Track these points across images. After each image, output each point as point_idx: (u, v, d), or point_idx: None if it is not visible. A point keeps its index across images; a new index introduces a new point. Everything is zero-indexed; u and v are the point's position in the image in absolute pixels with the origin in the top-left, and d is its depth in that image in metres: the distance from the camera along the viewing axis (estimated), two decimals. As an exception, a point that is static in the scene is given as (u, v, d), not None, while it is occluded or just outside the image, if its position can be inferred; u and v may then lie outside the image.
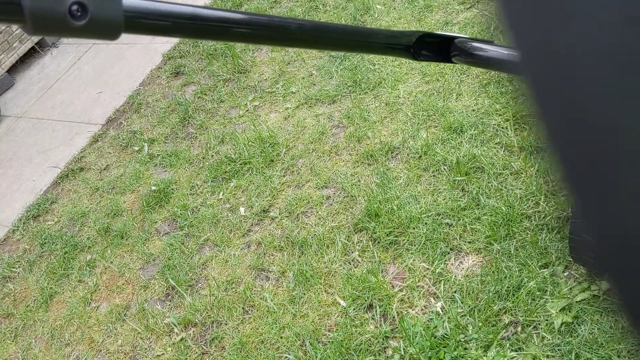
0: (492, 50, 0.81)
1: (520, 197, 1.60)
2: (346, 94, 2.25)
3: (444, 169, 1.78)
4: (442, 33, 0.83)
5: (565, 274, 1.40)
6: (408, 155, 1.89)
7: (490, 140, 1.80)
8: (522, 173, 1.66)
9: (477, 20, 2.24)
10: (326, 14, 2.70)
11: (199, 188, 2.17)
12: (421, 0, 2.46)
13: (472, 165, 1.74)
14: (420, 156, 1.86)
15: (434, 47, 0.82)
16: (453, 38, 0.82)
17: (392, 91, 2.14)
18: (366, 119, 2.09)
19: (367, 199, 1.78)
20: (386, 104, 2.12)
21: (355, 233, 1.74)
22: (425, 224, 1.65)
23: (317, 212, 1.85)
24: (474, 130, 1.84)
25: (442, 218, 1.65)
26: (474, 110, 1.92)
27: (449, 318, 1.42)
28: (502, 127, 1.82)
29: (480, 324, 1.38)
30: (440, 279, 1.52)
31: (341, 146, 2.05)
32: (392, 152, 1.93)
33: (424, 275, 1.55)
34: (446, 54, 0.82)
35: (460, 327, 1.39)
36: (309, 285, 1.65)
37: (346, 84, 2.29)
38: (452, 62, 0.84)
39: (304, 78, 2.45)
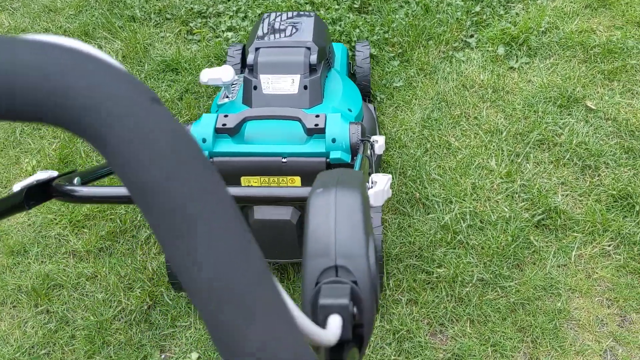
0: (85, 190, 0.97)
1: (104, 301, 1.89)
2: None
3: (22, 297, 1.89)
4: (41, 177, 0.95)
5: (162, 356, 1.80)
6: None
7: (57, 252, 1.99)
8: (97, 275, 1.94)
9: None
10: None
11: None
12: None
13: (49, 284, 1.91)
14: (-10, 290, 1.89)
15: (38, 191, 0.92)
16: (50, 180, 0.95)
17: None
18: None
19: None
20: None
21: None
22: (24, 362, 1.76)
23: None
24: (37, 248, 1.99)
25: (38, 349, 1.80)
26: (30, 226, 2.05)
27: None
28: (64, 236, 2.03)
29: None
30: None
31: None
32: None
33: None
34: (48, 194, 0.94)
35: None
36: None
37: None
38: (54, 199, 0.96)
39: None
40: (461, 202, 1.96)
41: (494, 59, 2.42)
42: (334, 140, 1.41)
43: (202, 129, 1.44)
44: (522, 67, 2.38)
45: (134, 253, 1.97)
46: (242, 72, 2.11)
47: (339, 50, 2.16)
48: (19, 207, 0.86)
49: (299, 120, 1.43)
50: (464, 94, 2.30)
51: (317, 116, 1.43)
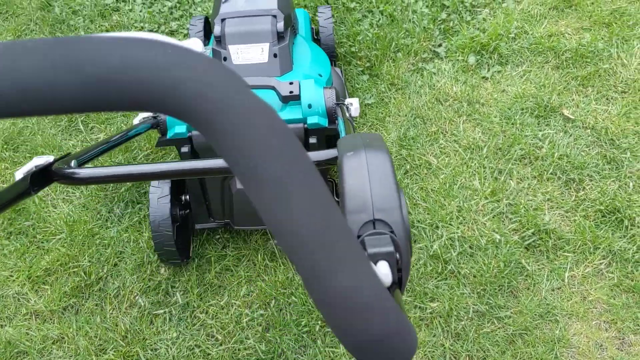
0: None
1: (73, 365, 1.74)
2: None
3: (-19, 370, 1.72)
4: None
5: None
6: None
7: (17, 314, 1.83)
8: (64, 338, 1.79)
9: None
10: None
11: None
12: None
13: (11, 352, 1.75)
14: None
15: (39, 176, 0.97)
16: (49, 165, 0.99)
17: None
18: None
19: None
20: None
21: None
22: None
23: None
24: (-6, 311, 1.82)
25: None
26: (-17, 287, 1.87)
27: None
28: (23, 294, 1.86)
29: None
30: None
31: None
32: None
33: None
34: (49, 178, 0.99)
35: None
36: None
37: None
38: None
39: None
40: (448, 227, 1.89)
41: (465, 69, 2.35)
42: (310, 106, 1.46)
43: None
44: (494, 76, 2.32)
45: (102, 310, 1.82)
46: (205, 44, 2.14)
47: (301, 16, 2.18)
48: (25, 194, 0.91)
49: (274, 88, 1.46)
50: (438, 109, 2.23)
51: (291, 83, 1.47)
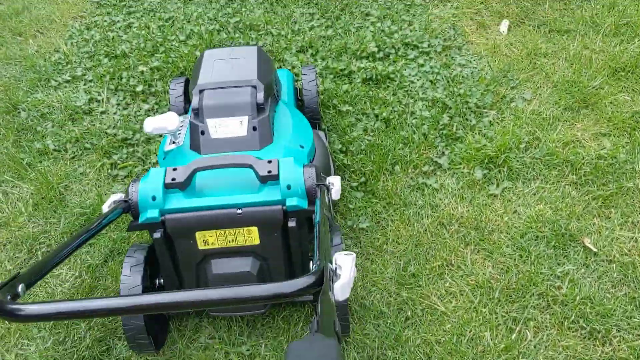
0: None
1: None
2: None
3: None
4: None
5: None
6: None
7: None
8: None
9: None
10: None
11: None
12: None
13: None
14: None
15: None
16: None
17: None
18: None
19: None
20: None
21: None
22: None
23: None
24: None
25: None
26: None
27: None
28: None
29: None
30: None
31: None
32: None
33: None
34: None
35: None
36: None
37: None
38: None
39: None
40: (456, 395, 1.64)
41: (471, 184, 2.13)
42: (289, 187, 1.41)
43: (150, 185, 1.42)
44: (504, 193, 2.09)
45: None
46: (184, 107, 2.12)
47: (284, 77, 2.14)
48: None
49: (251, 167, 1.43)
50: (442, 235, 1.99)
51: (270, 162, 1.43)
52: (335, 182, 1.46)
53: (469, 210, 2.05)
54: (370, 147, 2.23)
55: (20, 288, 0.95)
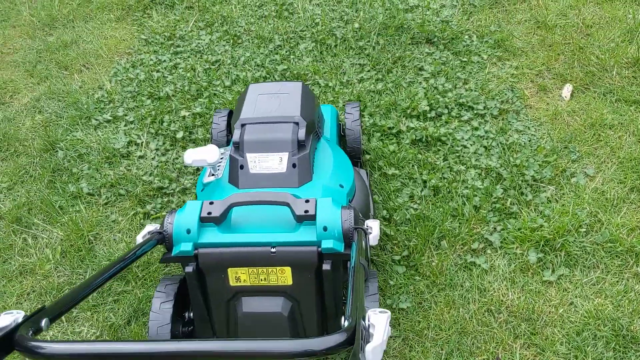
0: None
1: None
2: None
3: None
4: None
5: None
6: None
7: None
8: None
9: None
10: None
11: None
12: None
13: None
14: None
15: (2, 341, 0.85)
16: (15, 328, 0.86)
17: None
18: None
19: None
20: None
21: None
22: None
23: None
24: None
25: None
26: None
27: None
28: None
29: None
30: None
31: None
32: None
33: None
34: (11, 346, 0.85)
35: None
36: None
37: None
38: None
39: None
40: None
41: (524, 267, 1.97)
42: (325, 229, 1.37)
43: (186, 218, 1.41)
44: (560, 281, 1.92)
45: None
46: (227, 139, 2.12)
47: (327, 113, 2.12)
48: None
49: (288, 205, 1.40)
50: (490, 324, 1.83)
51: (307, 201, 1.40)
52: (374, 227, 1.42)
53: (520, 297, 1.89)
54: (416, 218, 2.10)
55: (44, 322, 0.92)
